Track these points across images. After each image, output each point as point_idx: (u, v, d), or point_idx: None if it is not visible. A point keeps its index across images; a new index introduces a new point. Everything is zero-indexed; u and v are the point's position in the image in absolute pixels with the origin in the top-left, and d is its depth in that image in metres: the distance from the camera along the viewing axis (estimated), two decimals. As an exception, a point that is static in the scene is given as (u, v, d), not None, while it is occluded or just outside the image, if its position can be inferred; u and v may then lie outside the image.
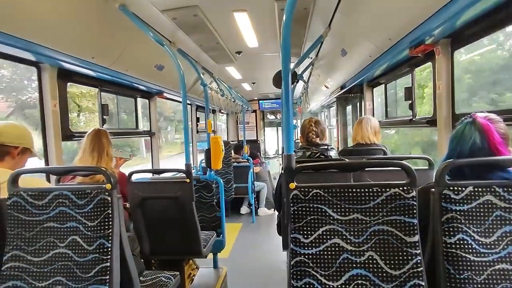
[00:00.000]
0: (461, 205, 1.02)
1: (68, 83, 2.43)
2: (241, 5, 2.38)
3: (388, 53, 2.26)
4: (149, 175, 2.91)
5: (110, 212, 1.22)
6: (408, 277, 1.02)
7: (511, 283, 0.99)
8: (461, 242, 1.01)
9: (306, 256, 1.08)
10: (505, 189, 1.01)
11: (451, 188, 1.03)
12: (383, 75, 3.26)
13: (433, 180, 1.10)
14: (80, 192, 1.23)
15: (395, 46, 2.10)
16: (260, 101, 8.88)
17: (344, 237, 1.07)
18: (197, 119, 5.30)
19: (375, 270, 1.04)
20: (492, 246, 1.01)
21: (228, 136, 8.60)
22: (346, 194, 1.07)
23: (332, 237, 1.08)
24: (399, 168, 1.10)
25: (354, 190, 1.07)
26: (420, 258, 1.03)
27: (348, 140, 5.05)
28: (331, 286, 1.05)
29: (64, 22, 1.81)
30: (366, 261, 1.05)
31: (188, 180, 2.27)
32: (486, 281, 0.99)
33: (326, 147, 2.23)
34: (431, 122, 2.22)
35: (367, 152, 2.35)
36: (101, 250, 1.20)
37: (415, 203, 1.04)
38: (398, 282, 1.02)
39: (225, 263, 3.39)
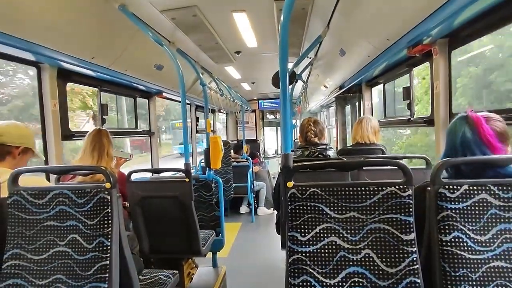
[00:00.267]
0: (456, 203, 1.04)
1: (68, 83, 2.44)
2: (240, 5, 2.39)
3: (386, 53, 2.27)
4: (149, 175, 2.93)
5: (109, 210, 1.23)
6: (404, 274, 1.03)
7: (506, 280, 1.00)
8: (457, 240, 1.03)
9: (304, 254, 1.09)
10: (500, 187, 1.03)
11: (447, 186, 1.04)
12: (382, 75, 3.27)
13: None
14: (79, 191, 1.24)
15: (393, 46, 2.11)
16: (260, 101, 8.88)
17: (341, 235, 1.08)
18: (197, 119, 5.31)
19: (372, 267, 1.05)
20: (487, 244, 1.02)
21: (228, 136, 8.61)
22: (343, 193, 1.09)
23: (329, 235, 1.09)
24: (396, 167, 1.11)
25: (351, 188, 1.08)
26: (416, 255, 1.04)
27: (347, 140, 5.06)
28: (328, 284, 1.07)
29: (63, 22, 1.82)
30: (363, 259, 1.06)
31: (187, 180, 2.28)
32: (481, 279, 1.00)
33: (324, 146, 2.24)
34: (429, 121, 2.23)
35: (365, 152, 2.36)
36: (100, 249, 1.21)
37: (411, 201, 1.05)
38: (394, 279, 1.03)
39: (224, 262, 3.40)
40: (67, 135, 2.37)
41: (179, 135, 14.15)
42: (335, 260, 1.07)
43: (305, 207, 1.10)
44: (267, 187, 6.17)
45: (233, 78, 5.33)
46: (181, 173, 2.42)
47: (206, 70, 4.08)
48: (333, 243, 1.08)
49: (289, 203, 1.11)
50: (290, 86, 4.29)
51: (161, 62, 3.01)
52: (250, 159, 5.94)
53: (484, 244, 1.02)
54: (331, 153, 2.23)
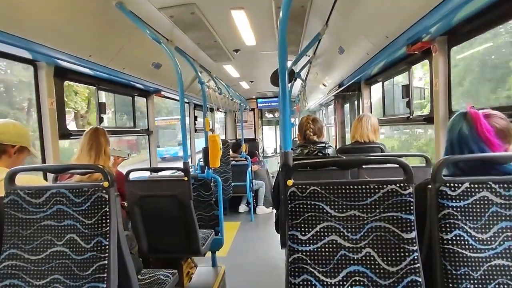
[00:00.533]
0: (457, 201, 1.03)
1: (65, 82, 2.42)
2: (238, 3, 2.37)
3: (385, 50, 2.26)
4: (147, 174, 2.91)
5: (107, 210, 1.21)
6: (405, 273, 1.02)
7: (507, 279, 0.99)
8: (458, 238, 1.02)
9: (304, 253, 1.08)
10: (501, 185, 1.02)
11: (448, 184, 1.03)
12: (381, 73, 3.26)
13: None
14: (77, 190, 1.22)
15: (392, 43, 2.10)
16: (258, 100, 8.86)
17: (341, 234, 1.08)
18: (195, 118, 5.29)
19: (372, 266, 1.05)
20: (489, 242, 1.01)
21: (226, 135, 8.60)
22: (343, 191, 1.08)
23: (330, 234, 1.08)
24: (396, 166, 1.10)
25: (351, 187, 1.08)
26: (417, 254, 1.03)
27: (346, 138, 5.06)
28: (328, 283, 1.06)
29: (61, 20, 1.80)
30: (363, 258, 1.05)
31: (186, 179, 2.27)
32: (483, 277, 1.00)
33: (324, 145, 2.23)
34: (428, 119, 2.23)
35: (365, 150, 2.35)
36: (98, 248, 1.20)
37: (412, 199, 1.04)
38: (395, 278, 1.03)
39: (223, 261, 3.39)
40: (65, 134, 2.35)
41: (167, 135, 13.62)
42: (336, 259, 1.06)
43: (305, 206, 1.09)
44: (266, 186, 6.16)
45: (231, 77, 5.32)
46: (180, 172, 2.40)
47: (204, 68, 4.07)
48: (334, 242, 1.07)
49: (289, 202, 1.10)
50: (289, 85, 4.27)
51: (159, 61, 3.00)
52: (249, 158, 5.93)
53: (485, 242, 1.01)
54: (330, 151, 2.22)
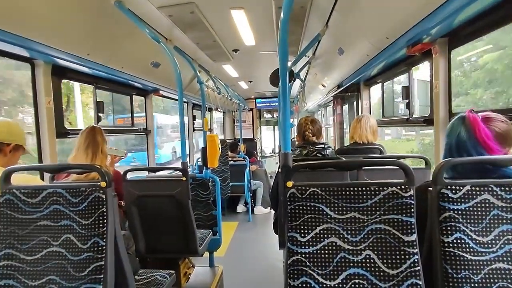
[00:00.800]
0: (458, 204, 1.02)
1: (63, 80, 2.40)
2: (238, 3, 2.36)
3: (385, 51, 2.26)
4: (145, 173, 2.90)
5: (104, 210, 1.20)
6: (406, 276, 1.02)
7: (508, 282, 0.99)
8: (459, 241, 1.01)
9: (303, 255, 1.07)
10: (502, 188, 1.01)
11: (449, 187, 1.03)
12: (380, 74, 3.26)
13: (430, 179, 1.09)
14: (74, 190, 1.21)
15: (393, 44, 2.10)
16: (257, 100, 8.86)
17: (341, 236, 1.07)
18: (194, 117, 5.28)
19: (372, 269, 1.04)
20: (490, 245, 1.01)
21: (225, 135, 8.59)
22: (344, 193, 1.07)
23: (329, 236, 1.07)
24: (396, 167, 1.10)
25: (351, 188, 1.07)
26: (417, 257, 1.02)
27: (345, 139, 5.06)
28: (328, 285, 1.05)
29: (59, 17, 1.79)
30: (363, 260, 1.05)
31: (184, 178, 2.25)
32: (483, 280, 0.99)
33: (323, 145, 2.22)
34: (428, 121, 2.22)
35: (364, 152, 2.34)
36: (95, 249, 1.18)
37: (412, 202, 1.04)
38: (395, 281, 1.02)
39: (221, 261, 3.38)
40: (62, 132, 2.33)
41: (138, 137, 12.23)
42: (335, 261, 1.06)
43: (304, 207, 1.08)
44: (264, 186, 6.15)
45: (230, 77, 5.31)
46: (178, 171, 2.39)
47: (203, 68, 4.05)
48: (333, 244, 1.06)
49: (288, 203, 1.09)
50: (288, 85, 4.26)
51: (158, 60, 2.98)
52: (247, 158, 5.92)
53: (486, 246, 1.01)
54: (329, 152, 2.21)
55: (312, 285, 1.05)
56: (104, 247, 1.19)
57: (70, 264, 1.18)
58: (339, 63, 3.30)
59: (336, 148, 4.32)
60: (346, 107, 4.91)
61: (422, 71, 2.62)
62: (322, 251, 1.07)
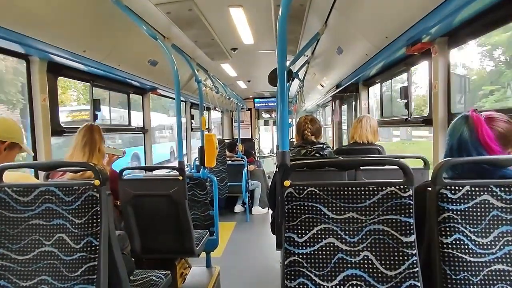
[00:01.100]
0: (457, 204, 1.01)
1: (59, 77, 2.37)
2: (237, 0, 2.34)
3: (384, 51, 2.24)
4: (142, 173, 2.87)
5: (98, 209, 1.17)
6: (404, 277, 1.00)
7: (507, 284, 0.98)
8: (458, 242, 1.00)
9: (300, 256, 1.05)
10: (502, 188, 1.00)
11: (448, 187, 1.01)
12: (379, 74, 3.25)
13: (429, 179, 1.08)
14: (67, 188, 1.18)
15: (392, 44, 2.08)
16: (255, 99, 8.84)
17: (339, 236, 1.05)
18: (192, 117, 5.26)
19: (371, 270, 1.02)
20: (489, 247, 0.99)
21: (223, 135, 8.56)
22: (342, 193, 1.05)
23: (327, 236, 1.05)
24: (395, 167, 1.08)
25: (350, 188, 1.05)
26: (416, 258, 1.01)
27: (343, 139, 5.05)
28: (325, 287, 1.03)
29: (55, 13, 1.76)
30: (361, 261, 1.03)
31: (181, 178, 2.23)
32: (483, 282, 0.98)
33: (321, 145, 2.21)
34: (427, 121, 2.21)
35: (363, 152, 2.34)
36: (88, 249, 1.16)
37: (411, 202, 1.02)
38: (394, 282, 1.00)
39: (218, 262, 3.36)
40: (57, 130, 2.30)
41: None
42: (333, 262, 1.04)
43: (302, 207, 1.06)
44: (262, 186, 6.14)
45: (229, 76, 5.29)
46: (175, 171, 2.37)
47: (201, 67, 4.03)
48: (331, 244, 1.05)
49: (285, 203, 1.07)
50: (287, 85, 4.25)
51: (155, 58, 2.96)
52: (245, 158, 5.90)
53: (485, 247, 0.99)
54: (328, 152, 2.20)
55: (309, 286, 1.03)
56: (97, 247, 1.16)
57: (63, 264, 1.16)
58: (338, 63, 3.29)
59: (334, 148, 4.31)
60: (345, 107, 4.90)
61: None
62: (320, 252, 1.05)
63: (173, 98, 3.87)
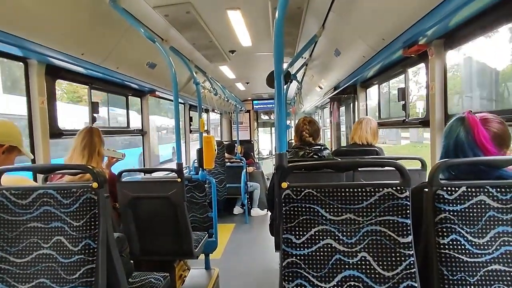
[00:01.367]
0: (454, 205, 1.01)
1: (57, 80, 2.38)
2: (234, 3, 2.35)
3: (381, 53, 2.26)
4: (140, 175, 2.87)
5: (96, 211, 1.18)
6: (401, 278, 1.01)
7: (504, 284, 0.98)
8: (454, 243, 1.00)
9: (298, 257, 1.06)
10: (498, 189, 1.01)
11: (445, 188, 1.02)
12: (377, 75, 3.26)
13: (426, 180, 1.09)
14: (65, 191, 1.19)
15: (389, 46, 2.10)
16: (254, 101, 8.85)
17: (336, 237, 1.05)
18: (190, 119, 5.26)
19: (368, 271, 1.03)
20: (485, 247, 1.00)
21: (222, 137, 8.56)
22: (339, 194, 1.06)
23: (325, 237, 1.06)
24: (392, 169, 1.09)
25: (347, 190, 1.06)
26: (413, 259, 1.02)
27: (342, 141, 5.06)
28: None
29: (53, 17, 1.76)
30: (359, 262, 1.03)
31: (179, 180, 2.23)
32: (480, 282, 0.98)
33: (319, 147, 2.21)
34: (424, 123, 2.22)
35: (361, 153, 2.36)
36: (86, 251, 1.16)
37: (408, 203, 1.03)
38: (391, 283, 1.01)
39: (217, 264, 3.36)
40: (56, 133, 2.30)
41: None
42: (331, 263, 1.04)
43: (299, 209, 1.07)
44: (261, 188, 6.14)
45: (227, 78, 5.29)
46: (173, 173, 2.37)
47: (199, 69, 4.04)
48: (329, 245, 1.05)
49: (283, 205, 1.08)
50: (285, 87, 4.27)
51: (154, 60, 2.96)
52: (244, 159, 5.91)
53: (482, 247, 1.00)
54: (326, 153, 2.20)
55: None
56: (95, 249, 1.16)
57: (61, 267, 1.16)
58: (336, 65, 3.30)
59: (332, 150, 4.32)
60: (343, 108, 4.91)
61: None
62: (317, 253, 1.05)
63: (172, 100, 3.88)
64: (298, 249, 1.06)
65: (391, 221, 1.03)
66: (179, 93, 2.61)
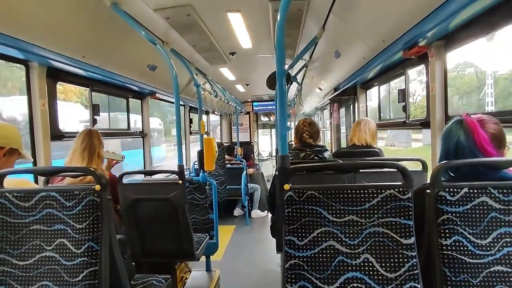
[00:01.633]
0: (456, 206, 1.02)
1: (58, 83, 2.38)
2: (235, 6, 2.36)
3: (381, 54, 2.26)
4: (141, 177, 2.87)
5: (99, 214, 1.18)
6: (404, 279, 1.01)
7: (506, 285, 0.98)
8: (457, 244, 1.01)
9: (301, 259, 1.06)
10: (500, 190, 1.01)
11: (447, 189, 1.02)
12: (377, 77, 3.27)
13: (427, 182, 1.09)
14: (68, 194, 1.19)
15: (389, 48, 2.10)
16: (254, 103, 8.86)
17: (339, 239, 1.06)
18: (190, 120, 5.27)
19: (371, 273, 1.03)
20: (488, 248, 1.00)
21: (222, 138, 8.57)
22: (342, 196, 1.06)
23: (327, 239, 1.06)
24: (393, 170, 1.09)
25: (349, 191, 1.06)
26: (416, 260, 1.02)
27: (341, 142, 5.06)
28: None
29: (54, 19, 1.77)
30: (362, 264, 1.03)
31: (180, 182, 2.23)
32: (482, 283, 0.99)
33: (320, 148, 2.22)
34: (424, 124, 2.22)
35: (361, 154, 2.36)
36: (89, 254, 1.16)
37: (411, 204, 1.03)
38: (394, 285, 1.01)
39: (218, 266, 3.35)
40: (57, 135, 2.31)
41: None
42: (334, 265, 1.04)
43: (302, 210, 1.07)
44: (261, 189, 6.14)
45: (227, 80, 5.30)
46: (174, 175, 2.37)
47: (200, 71, 4.04)
48: (331, 247, 1.05)
49: (286, 206, 1.08)
50: (285, 88, 4.26)
51: (154, 63, 2.97)
52: (244, 161, 5.90)
53: (484, 248, 1.00)
54: (327, 155, 2.21)
55: None
56: (98, 252, 1.16)
57: (64, 269, 1.16)
58: (336, 66, 3.31)
59: (332, 151, 4.33)
60: (343, 110, 4.92)
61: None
62: (320, 255, 1.05)
63: (172, 102, 3.88)
64: (301, 251, 1.06)
65: (393, 223, 1.03)
66: (179, 95, 2.61)
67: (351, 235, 1.05)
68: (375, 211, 1.04)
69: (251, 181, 6.13)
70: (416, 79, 2.67)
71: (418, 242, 1.04)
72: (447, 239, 1.01)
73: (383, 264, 1.02)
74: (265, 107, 8.90)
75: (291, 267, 1.06)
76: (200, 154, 3.06)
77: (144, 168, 3.83)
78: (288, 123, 7.43)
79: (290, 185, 1.08)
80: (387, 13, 1.83)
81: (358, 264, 1.03)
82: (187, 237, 2.29)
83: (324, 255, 1.05)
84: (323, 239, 1.06)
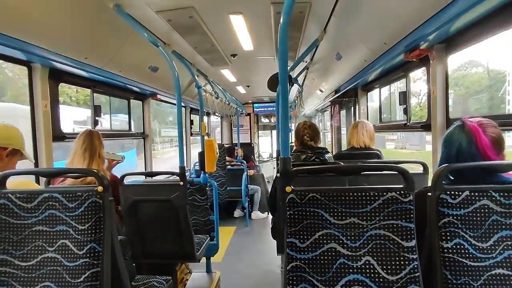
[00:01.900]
0: (458, 209, 1.02)
1: (60, 84, 2.39)
2: (237, 8, 2.37)
3: (383, 57, 2.27)
4: (142, 178, 2.87)
5: (101, 215, 1.18)
6: (405, 282, 1.01)
7: None
8: (458, 247, 1.01)
9: (302, 261, 1.06)
10: (501, 193, 1.01)
11: (448, 192, 1.03)
12: (378, 79, 3.28)
13: (428, 185, 1.09)
14: (70, 195, 1.19)
15: (390, 50, 2.11)
16: (255, 104, 8.86)
17: (340, 241, 1.06)
18: (191, 122, 5.27)
19: (372, 275, 1.03)
20: (489, 251, 1.00)
21: (222, 140, 8.57)
22: (343, 198, 1.06)
23: (329, 241, 1.06)
24: (395, 172, 1.09)
25: (351, 194, 1.06)
26: (417, 263, 1.02)
27: (342, 144, 5.06)
28: None
29: (57, 21, 1.78)
30: (363, 266, 1.04)
31: (181, 183, 2.24)
32: (483, 286, 0.99)
33: (321, 150, 2.22)
34: (426, 126, 2.23)
35: (362, 156, 2.36)
36: (91, 255, 1.16)
37: (412, 207, 1.03)
38: (395, 287, 1.01)
39: (218, 267, 3.36)
40: (59, 136, 2.31)
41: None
42: (335, 267, 1.05)
43: (304, 213, 1.07)
44: (261, 191, 6.13)
45: (228, 81, 5.31)
46: (175, 176, 2.38)
47: (201, 72, 4.05)
48: (333, 249, 1.06)
49: (287, 209, 1.08)
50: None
51: (156, 64, 2.98)
52: (245, 162, 5.90)
53: (485, 251, 1.00)
54: (328, 157, 2.21)
55: None
56: (100, 253, 1.17)
57: (66, 271, 1.16)
58: (337, 68, 3.31)
59: (333, 153, 4.32)
60: (343, 112, 4.92)
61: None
62: (322, 257, 1.06)
63: (173, 104, 3.89)
64: (302, 253, 1.06)
65: (395, 225, 1.04)
66: (181, 96, 2.62)
67: (353, 238, 1.05)
68: (377, 214, 1.05)
69: (251, 183, 6.13)
70: (421, 78, 2.65)
71: (419, 245, 1.04)
72: (448, 242, 1.01)
73: (384, 267, 1.03)
74: (265, 109, 8.90)
75: (292, 269, 1.06)
76: (201, 155, 3.07)
77: (145, 169, 3.84)
78: (289, 125, 7.44)
79: (292, 187, 1.09)
80: (388, 16, 1.84)
81: (359, 266, 1.04)
82: (187, 238, 2.29)
83: (326, 258, 1.05)
84: (325, 241, 1.06)
